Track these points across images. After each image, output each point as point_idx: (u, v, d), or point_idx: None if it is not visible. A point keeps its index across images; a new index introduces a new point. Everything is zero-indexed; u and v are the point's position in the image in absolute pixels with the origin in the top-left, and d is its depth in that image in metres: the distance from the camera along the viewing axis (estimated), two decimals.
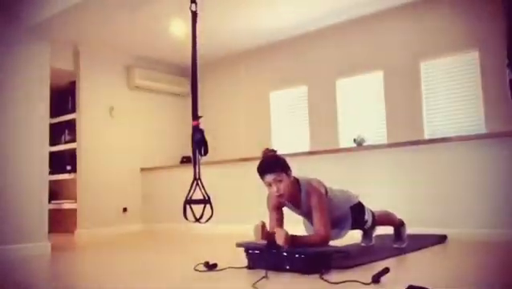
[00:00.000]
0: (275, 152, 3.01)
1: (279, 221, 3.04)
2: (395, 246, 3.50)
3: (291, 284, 2.44)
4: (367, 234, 3.64)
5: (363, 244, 3.63)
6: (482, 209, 4.02)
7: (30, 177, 4.41)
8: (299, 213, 3.12)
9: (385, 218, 3.51)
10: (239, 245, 2.94)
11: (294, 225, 3.13)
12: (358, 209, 3.26)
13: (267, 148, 3.04)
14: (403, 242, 3.52)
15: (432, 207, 4.27)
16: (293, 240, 2.78)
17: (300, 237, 2.88)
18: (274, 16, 5.76)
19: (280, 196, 2.91)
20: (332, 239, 2.98)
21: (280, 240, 2.72)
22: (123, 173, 6.69)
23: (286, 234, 2.76)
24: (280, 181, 2.85)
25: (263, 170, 2.87)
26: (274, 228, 2.91)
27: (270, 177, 2.86)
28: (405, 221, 3.60)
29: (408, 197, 4.39)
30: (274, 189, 2.88)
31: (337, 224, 3.10)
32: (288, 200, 2.98)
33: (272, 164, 2.88)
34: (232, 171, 5.82)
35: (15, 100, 4.40)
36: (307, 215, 3.07)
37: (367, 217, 3.32)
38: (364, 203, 3.35)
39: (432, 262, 3.12)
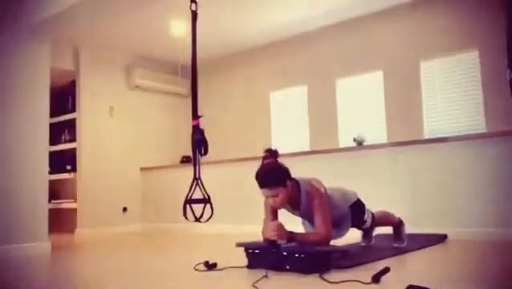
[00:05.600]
0: (276, 153, 2.99)
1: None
2: (394, 245, 3.50)
3: (291, 284, 2.43)
4: (366, 234, 3.64)
5: (363, 244, 3.63)
6: (482, 208, 4.02)
7: (30, 176, 4.41)
8: (298, 215, 3.11)
9: (385, 219, 3.51)
10: (239, 245, 2.94)
11: (294, 225, 3.13)
12: (357, 207, 3.27)
13: (267, 150, 3.00)
14: (402, 242, 3.52)
15: (432, 207, 4.27)
16: (292, 236, 2.79)
17: (300, 234, 2.89)
18: (274, 16, 5.76)
19: (276, 207, 2.92)
20: (333, 238, 2.98)
21: (271, 232, 2.73)
22: (123, 173, 6.70)
23: (281, 225, 2.77)
24: (276, 195, 2.83)
25: (259, 184, 2.84)
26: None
27: (266, 192, 2.85)
28: (405, 221, 3.60)
29: (407, 197, 4.39)
30: (271, 201, 2.88)
31: (337, 223, 3.10)
32: (288, 203, 2.97)
33: (268, 178, 2.82)
34: (232, 171, 5.82)
35: (15, 100, 4.40)
36: (307, 216, 3.07)
37: (367, 217, 3.32)
38: (364, 203, 3.35)
39: (432, 261, 3.12)
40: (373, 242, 3.64)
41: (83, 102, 6.43)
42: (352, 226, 3.29)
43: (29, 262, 3.84)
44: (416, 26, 5.44)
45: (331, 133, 5.98)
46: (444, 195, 4.24)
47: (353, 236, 3.55)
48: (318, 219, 2.86)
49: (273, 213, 3.03)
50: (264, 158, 2.96)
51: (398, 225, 3.56)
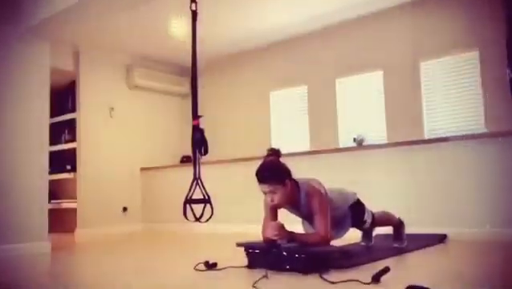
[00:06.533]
0: (278, 152, 2.99)
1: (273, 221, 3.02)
2: (395, 245, 3.50)
3: (291, 284, 2.43)
4: (366, 234, 3.64)
5: (363, 244, 3.63)
6: (482, 208, 4.02)
7: (30, 176, 4.41)
8: (298, 215, 3.11)
9: (384, 219, 3.51)
10: (239, 244, 2.94)
11: (293, 225, 3.13)
12: (357, 207, 3.26)
13: (270, 149, 3.01)
14: (402, 242, 3.52)
15: (432, 207, 4.27)
16: (292, 236, 2.79)
17: (300, 234, 2.89)
18: (274, 16, 5.76)
19: (275, 205, 2.92)
20: (332, 239, 2.98)
21: (272, 232, 2.74)
22: (123, 173, 6.69)
23: (282, 225, 2.78)
24: (275, 192, 2.83)
25: (258, 179, 2.85)
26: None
27: (264, 188, 2.84)
28: (405, 221, 3.60)
29: (408, 197, 4.39)
30: (269, 199, 2.88)
31: (337, 223, 3.09)
32: (286, 202, 2.97)
33: (268, 174, 2.83)
34: (232, 171, 5.82)
35: (15, 100, 4.40)
36: (307, 217, 3.07)
37: (367, 217, 3.31)
38: (364, 203, 3.35)
39: (432, 261, 3.12)
40: (373, 242, 3.64)
41: (83, 102, 6.43)
42: (352, 226, 3.29)
43: (29, 262, 3.84)
44: (416, 26, 5.43)
45: (330, 133, 5.98)
46: (444, 195, 4.24)
47: (353, 236, 3.55)
48: (317, 220, 2.86)
49: (272, 213, 3.03)
50: (267, 156, 2.97)
51: (398, 225, 3.56)
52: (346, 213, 3.19)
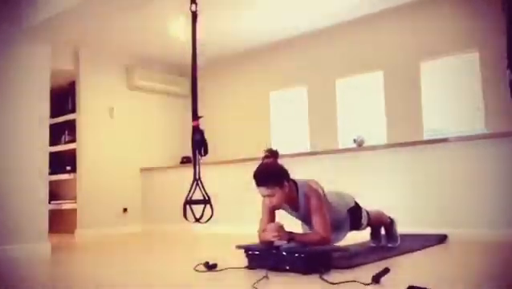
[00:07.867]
0: (276, 153, 2.99)
1: (271, 222, 3.01)
2: (389, 245, 3.48)
3: (291, 284, 2.44)
4: (375, 234, 3.60)
5: (372, 244, 3.60)
6: (482, 209, 4.02)
7: (30, 177, 4.40)
8: (296, 216, 3.10)
9: (379, 220, 3.47)
10: (239, 247, 2.94)
11: (293, 226, 3.13)
12: (355, 211, 3.24)
13: (268, 150, 3.00)
14: (396, 241, 3.50)
15: (432, 207, 4.27)
16: (292, 237, 2.78)
17: (299, 234, 2.88)
18: (274, 16, 5.76)
19: (273, 206, 2.91)
20: (331, 243, 2.96)
21: (271, 233, 2.74)
22: (123, 174, 6.70)
23: (281, 226, 2.77)
24: (273, 194, 2.82)
25: (256, 182, 2.84)
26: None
27: (262, 190, 2.83)
28: (405, 221, 3.59)
29: (408, 198, 4.39)
30: (267, 201, 2.88)
31: (336, 227, 3.08)
32: (285, 203, 2.97)
33: (265, 177, 2.82)
34: (232, 171, 5.82)
35: (16, 100, 4.39)
36: (305, 218, 3.05)
37: (364, 220, 3.30)
38: (363, 203, 3.34)
39: (432, 262, 3.12)
40: (383, 242, 3.59)
41: (83, 102, 6.43)
42: (350, 230, 3.28)
43: (29, 263, 3.84)
44: (416, 27, 5.44)
45: (330, 134, 5.98)
46: (444, 195, 4.24)
47: (355, 237, 3.55)
48: (316, 219, 2.85)
49: (270, 214, 3.02)
50: (264, 158, 2.96)
51: (389, 224, 3.54)
52: (345, 217, 3.17)
